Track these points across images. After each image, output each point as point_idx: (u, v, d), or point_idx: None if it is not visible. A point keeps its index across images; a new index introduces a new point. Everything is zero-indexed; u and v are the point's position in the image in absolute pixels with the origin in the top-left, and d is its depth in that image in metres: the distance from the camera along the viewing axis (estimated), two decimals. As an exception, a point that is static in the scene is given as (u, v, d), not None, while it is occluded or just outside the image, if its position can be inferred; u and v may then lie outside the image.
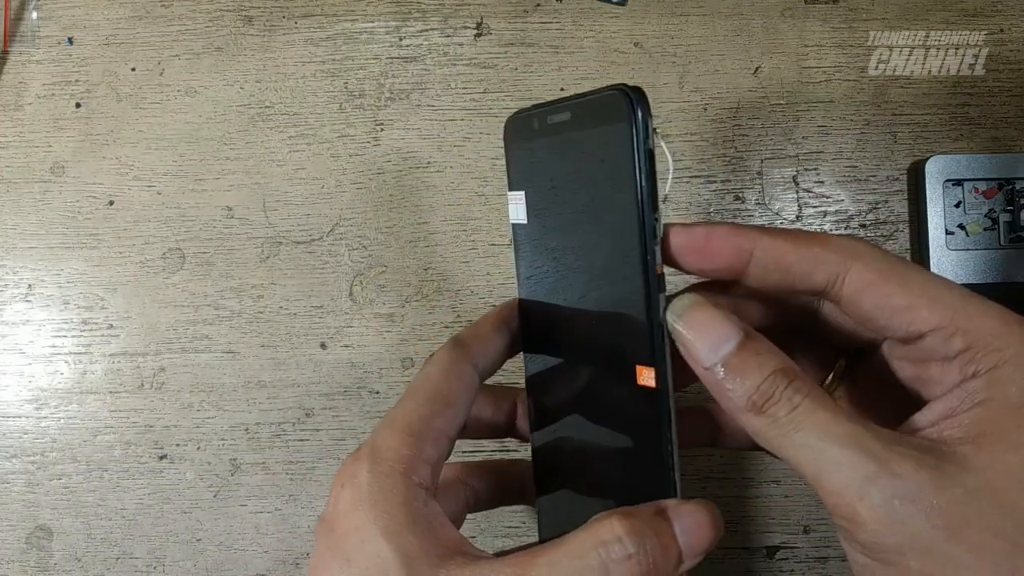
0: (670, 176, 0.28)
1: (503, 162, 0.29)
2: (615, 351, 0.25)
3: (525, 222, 0.28)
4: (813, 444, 0.21)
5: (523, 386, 0.30)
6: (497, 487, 0.31)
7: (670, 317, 0.24)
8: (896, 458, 0.20)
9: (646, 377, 0.24)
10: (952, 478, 0.20)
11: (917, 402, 0.23)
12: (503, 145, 0.29)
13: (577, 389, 0.27)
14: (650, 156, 0.23)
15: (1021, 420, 0.20)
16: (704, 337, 0.23)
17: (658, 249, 0.24)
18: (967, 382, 0.21)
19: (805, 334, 0.27)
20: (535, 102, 0.26)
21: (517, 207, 0.28)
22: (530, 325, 0.29)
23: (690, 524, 0.23)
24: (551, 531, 0.28)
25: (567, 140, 0.26)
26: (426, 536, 0.23)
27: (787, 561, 0.45)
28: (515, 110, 0.29)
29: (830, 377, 0.28)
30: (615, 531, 0.22)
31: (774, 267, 0.23)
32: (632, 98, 0.24)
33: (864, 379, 0.28)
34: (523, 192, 0.28)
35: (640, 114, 0.23)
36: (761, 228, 0.24)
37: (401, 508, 0.23)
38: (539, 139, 0.27)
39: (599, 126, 0.25)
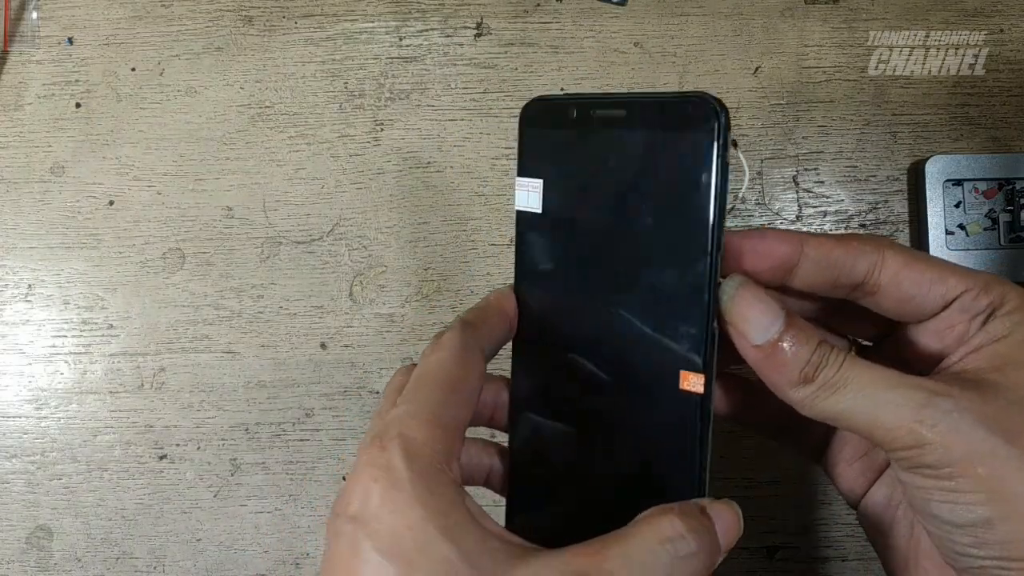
0: (744, 186, 0.28)
1: (503, 162, 0.29)
2: (654, 355, 0.25)
3: (539, 211, 0.27)
4: (864, 393, 0.23)
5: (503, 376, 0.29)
6: (466, 469, 0.30)
7: (723, 298, 0.24)
8: (941, 385, 0.23)
9: (693, 383, 0.24)
10: (992, 394, 0.23)
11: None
12: (519, 126, 0.28)
13: (588, 385, 0.27)
14: (725, 169, 0.24)
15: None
16: (756, 317, 0.24)
17: (720, 260, 0.24)
18: (986, 325, 0.24)
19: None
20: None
21: (529, 194, 0.28)
22: (528, 318, 0.28)
23: (724, 523, 0.24)
24: (528, 520, 0.28)
25: (620, 137, 0.25)
26: (484, 535, 0.22)
27: (787, 561, 0.45)
28: (538, 94, 0.28)
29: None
30: (677, 528, 0.22)
31: (824, 261, 0.25)
32: (717, 108, 0.24)
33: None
34: (541, 180, 0.27)
35: (724, 125, 0.24)
36: (803, 232, 0.26)
37: (453, 507, 0.22)
38: (576, 129, 0.26)
39: (671, 131, 0.24)
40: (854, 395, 0.23)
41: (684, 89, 0.47)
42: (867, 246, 0.25)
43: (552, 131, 0.27)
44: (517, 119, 0.28)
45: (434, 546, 0.21)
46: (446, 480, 0.23)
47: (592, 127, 0.26)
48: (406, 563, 0.21)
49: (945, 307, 0.25)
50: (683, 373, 0.25)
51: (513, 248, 0.29)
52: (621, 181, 0.25)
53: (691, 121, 0.24)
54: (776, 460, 0.45)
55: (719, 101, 0.24)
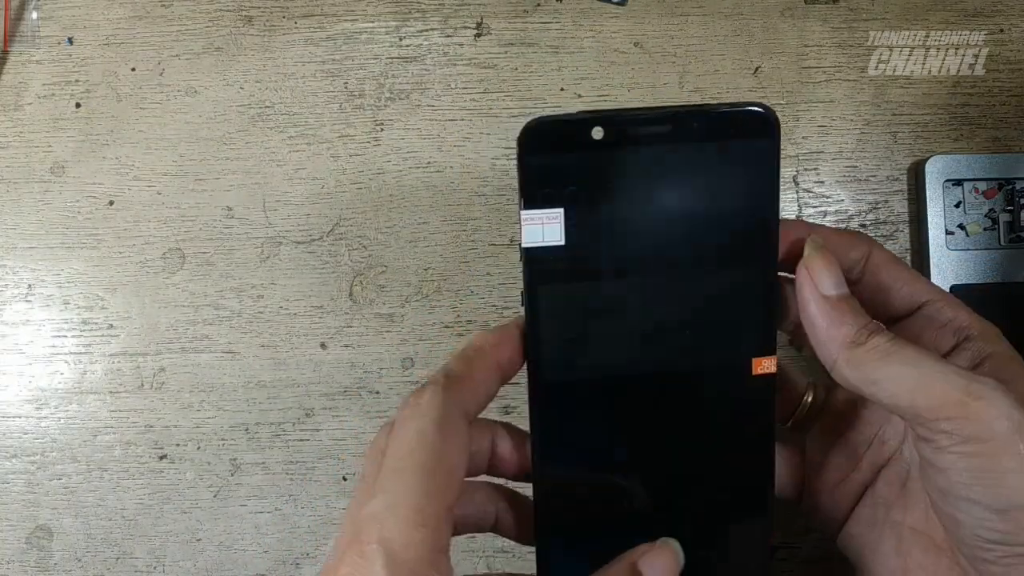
0: None
1: (503, 162, 0.28)
2: (723, 353, 0.27)
3: (561, 243, 0.25)
4: (912, 363, 0.24)
5: (492, 417, 0.28)
6: (471, 519, 0.28)
7: (808, 250, 0.27)
8: (976, 372, 0.24)
9: (767, 366, 0.27)
10: (1010, 391, 0.24)
11: None
12: (519, 152, 0.25)
13: (644, 410, 0.27)
14: (779, 172, 0.26)
15: (1014, 362, 0.26)
16: (830, 272, 0.26)
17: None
18: (967, 343, 0.26)
19: None
20: (534, 102, 0.26)
21: (545, 227, 0.26)
22: (555, 352, 0.26)
23: (659, 570, 0.25)
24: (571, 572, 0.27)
25: (667, 153, 0.26)
26: None
27: (787, 561, 0.45)
28: (537, 116, 0.25)
29: (806, 404, 0.31)
30: None
31: (827, 247, 0.27)
32: (773, 118, 0.25)
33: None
34: (560, 209, 0.25)
35: (779, 131, 0.26)
36: (808, 222, 0.29)
37: None
38: (605, 151, 0.25)
39: (730, 141, 0.26)
40: (901, 364, 0.24)
41: (683, 89, 0.47)
42: (860, 239, 0.28)
43: (566, 155, 0.25)
44: (519, 127, 0.25)
45: None
46: None
47: (624, 145, 0.25)
48: None
49: (912, 312, 0.27)
50: (755, 360, 0.26)
51: (515, 250, 0.28)
52: (672, 194, 0.26)
53: (750, 131, 0.26)
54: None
55: (772, 110, 0.26)
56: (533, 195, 0.25)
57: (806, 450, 0.30)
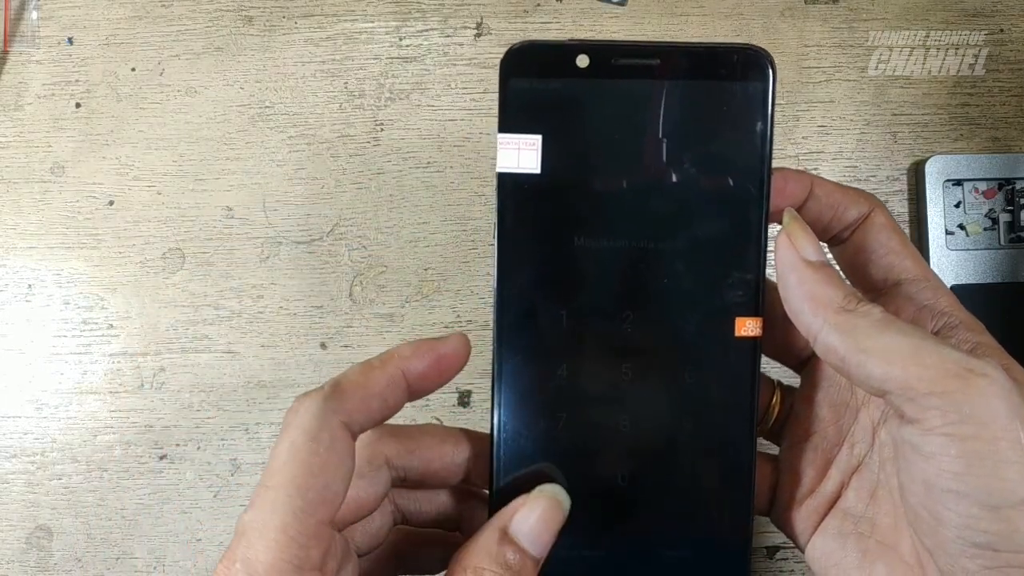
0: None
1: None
2: (707, 310, 0.25)
3: (536, 172, 0.24)
4: (907, 333, 0.22)
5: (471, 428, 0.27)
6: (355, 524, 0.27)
7: (789, 215, 0.25)
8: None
9: (750, 327, 0.25)
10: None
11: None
12: (501, 75, 0.24)
13: (616, 356, 0.25)
14: (773, 118, 0.24)
15: (1003, 355, 0.24)
16: (810, 239, 0.24)
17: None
18: (950, 330, 0.24)
19: None
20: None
21: (521, 153, 0.25)
22: (518, 286, 0.25)
23: (534, 527, 0.23)
24: None
25: (654, 87, 0.24)
26: None
27: (787, 561, 0.45)
28: (523, 40, 0.25)
29: (775, 401, 0.29)
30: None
31: (826, 201, 0.26)
32: (772, 60, 0.24)
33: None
34: (539, 136, 0.24)
35: (775, 77, 0.24)
36: (811, 174, 0.27)
37: None
38: (590, 80, 0.24)
39: (722, 81, 0.24)
40: (896, 333, 0.22)
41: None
42: (864, 198, 0.26)
43: (550, 81, 0.24)
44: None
45: None
46: None
47: (616, 76, 0.24)
48: None
49: (888, 288, 0.25)
50: (739, 320, 0.25)
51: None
52: (656, 132, 0.24)
53: (744, 71, 0.24)
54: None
55: (768, 52, 0.24)
56: (511, 119, 0.25)
57: (779, 459, 0.28)
